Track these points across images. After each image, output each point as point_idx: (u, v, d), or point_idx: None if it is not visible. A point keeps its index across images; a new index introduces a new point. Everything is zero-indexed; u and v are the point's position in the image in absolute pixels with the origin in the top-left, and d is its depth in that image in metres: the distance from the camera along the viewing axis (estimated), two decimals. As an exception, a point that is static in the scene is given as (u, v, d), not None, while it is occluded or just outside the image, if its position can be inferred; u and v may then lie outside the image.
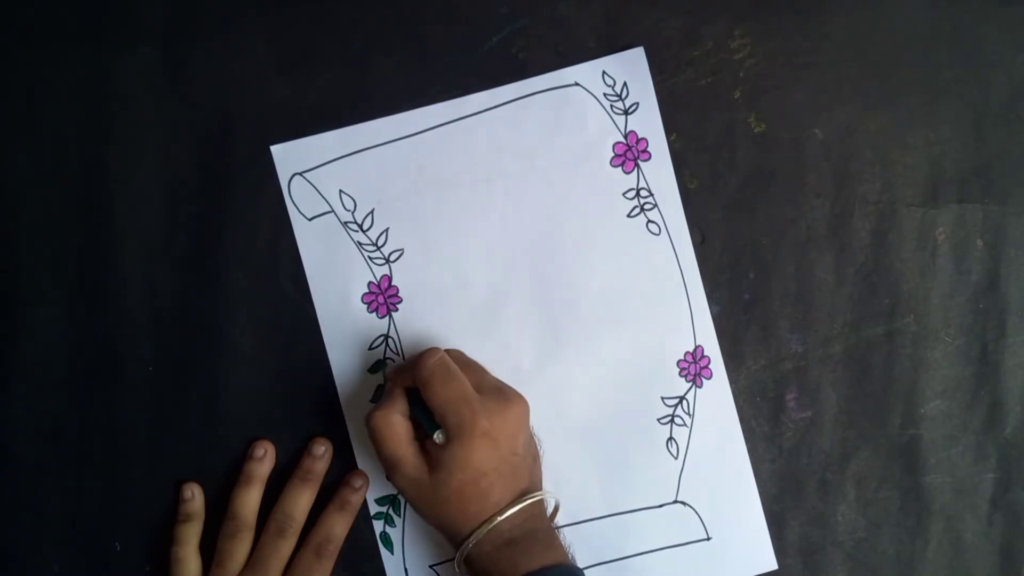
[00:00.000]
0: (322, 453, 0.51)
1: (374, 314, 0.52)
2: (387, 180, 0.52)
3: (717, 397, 0.53)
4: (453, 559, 0.52)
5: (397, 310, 0.52)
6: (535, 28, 0.52)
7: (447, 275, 0.52)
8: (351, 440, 0.52)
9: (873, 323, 0.54)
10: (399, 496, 0.53)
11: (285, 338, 0.52)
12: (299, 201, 0.52)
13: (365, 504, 0.52)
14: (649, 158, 0.53)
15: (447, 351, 0.48)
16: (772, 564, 0.53)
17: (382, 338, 0.52)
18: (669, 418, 0.53)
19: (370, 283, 0.52)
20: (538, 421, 0.50)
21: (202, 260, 0.52)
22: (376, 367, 0.52)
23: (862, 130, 0.53)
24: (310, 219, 0.52)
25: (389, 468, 0.46)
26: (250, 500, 0.51)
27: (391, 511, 0.53)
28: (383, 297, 0.52)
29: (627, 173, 0.53)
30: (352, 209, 0.52)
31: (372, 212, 0.52)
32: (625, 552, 0.53)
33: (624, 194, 0.53)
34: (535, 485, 0.48)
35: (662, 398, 0.53)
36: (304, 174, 0.52)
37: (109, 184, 0.52)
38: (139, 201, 0.52)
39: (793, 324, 0.53)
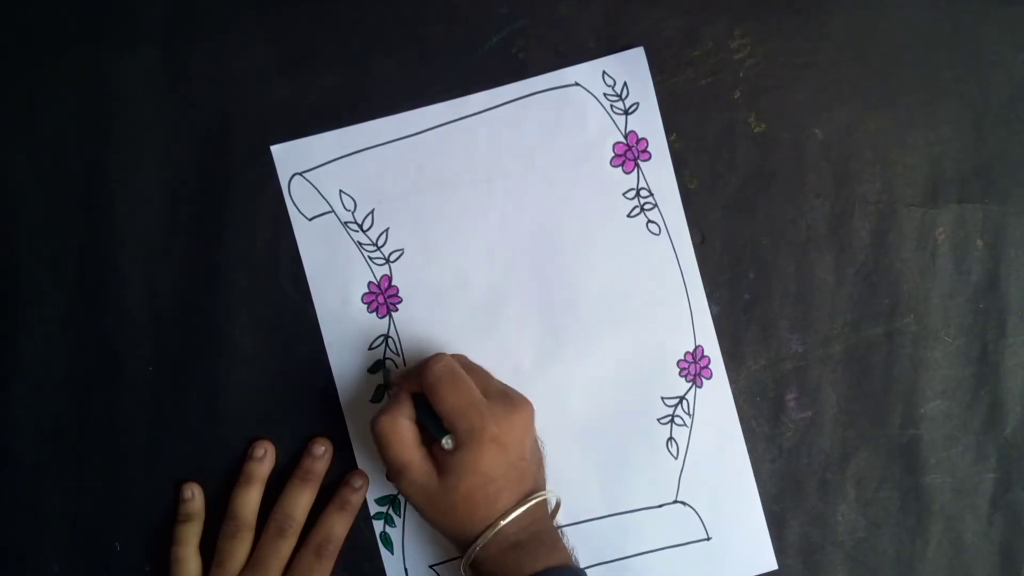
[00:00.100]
0: (322, 453, 0.51)
1: (374, 314, 0.52)
2: (387, 180, 0.52)
3: (717, 397, 0.53)
4: (453, 559, 0.52)
5: (397, 310, 0.52)
6: (535, 28, 0.52)
7: (447, 275, 0.52)
8: (351, 440, 0.52)
9: (873, 323, 0.54)
10: (399, 496, 0.53)
11: (285, 338, 0.52)
12: (299, 201, 0.52)
13: (365, 504, 0.52)
14: (649, 158, 0.53)
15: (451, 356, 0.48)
16: (772, 564, 0.53)
17: (382, 338, 0.52)
18: (669, 418, 0.53)
19: (370, 283, 0.52)
20: (538, 421, 0.50)
21: (202, 260, 0.52)
22: (376, 367, 0.52)
23: (862, 130, 0.53)
24: (310, 219, 0.52)
25: (395, 473, 0.46)
26: (250, 500, 0.51)
27: (391, 511, 0.53)
28: (383, 297, 0.52)
29: (627, 173, 0.53)
30: (352, 209, 0.52)
31: (372, 212, 0.52)
32: (625, 552, 0.53)
33: (624, 194, 0.53)
34: (539, 487, 0.48)
35: (662, 398, 0.53)
36: (304, 174, 0.52)
37: (109, 184, 0.52)
38: (139, 201, 0.52)
39: (793, 324, 0.53)
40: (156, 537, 0.52)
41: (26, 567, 0.52)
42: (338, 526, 0.51)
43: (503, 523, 0.44)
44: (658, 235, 0.53)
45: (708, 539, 0.53)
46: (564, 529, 0.52)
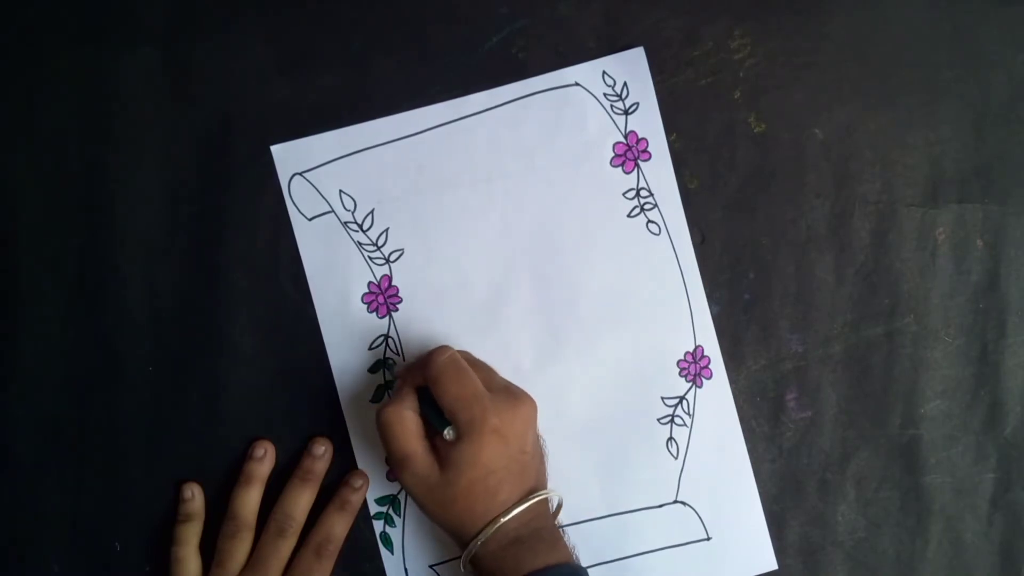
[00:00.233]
0: (322, 453, 0.51)
1: (374, 314, 0.52)
2: (387, 180, 0.52)
3: (717, 397, 0.53)
4: (453, 559, 0.52)
5: (397, 310, 0.52)
6: (535, 28, 0.52)
7: (447, 275, 0.52)
8: (351, 440, 0.52)
9: (873, 323, 0.54)
10: (399, 496, 0.53)
11: (285, 338, 0.52)
12: (299, 201, 0.52)
13: (365, 504, 0.52)
14: (649, 158, 0.53)
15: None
16: (772, 564, 0.53)
17: (382, 338, 0.52)
18: (669, 418, 0.53)
19: (370, 283, 0.52)
20: (538, 421, 0.50)
21: (202, 260, 0.52)
22: (376, 367, 0.52)
23: (862, 130, 0.53)
24: (310, 219, 0.52)
25: (398, 465, 0.46)
26: (250, 500, 0.51)
27: (391, 511, 0.53)
28: (383, 297, 0.52)
29: (627, 173, 0.53)
30: (352, 209, 0.52)
31: (372, 212, 0.52)
32: (625, 552, 0.53)
33: (624, 194, 0.53)
34: (541, 484, 0.48)
35: (662, 398, 0.53)
36: (304, 174, 0.52)
37: (109, 184, 0.52)
38: (139, 201, 0.52)
39: (793, 324, 0.53)
40: (156, 537, 0.52)
41: (26, 567, 0.52)
42: (338, 526, 0.51)
43: (505, 519, 0.44)
44: (658, 235, 0.53)
45: (708, 539, 0.53)
46: (565, 529, 0.52)
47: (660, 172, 0.53)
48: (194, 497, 0.51)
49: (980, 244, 0.54)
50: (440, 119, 0.52)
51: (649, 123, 0.53)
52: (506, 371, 0.51)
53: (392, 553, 0.53)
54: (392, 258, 0.52)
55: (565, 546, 0.46)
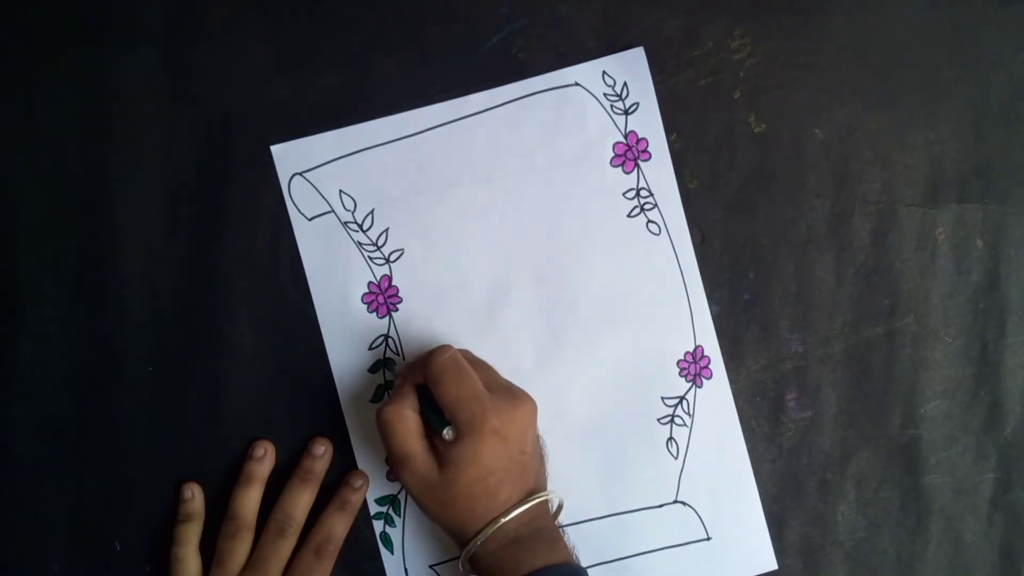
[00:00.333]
0: (322, 453, 0.51)
1: (374, 314, 0.52)
2: (387, 180, 0.52)
3: (717, 397, 0.53)
4: (453, 559, 0.52)
5: (397, 310, 0.52)
6: (535, 28, 0.52)
7: (447, 275, 0.52)
8: (351, 440, 0.52)
9: (873, 323, 0.54)
10: (399, 496, 0.53)
11: (285, 338, 0.52)
12: (299, 201, 0.52)
13: (365, 504, 0.52)
14: (649, 158, 0.53)
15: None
16: (772, 564, 0.53)
17: (382, 338, 0.52)
18: (669, 418, 0.53)
19: (370, 283, 0.52)
20: (538, 421, 0.50)
21: (202, 260, 0.52)
22: (376, 367, 0.52)
23: (862, 130, 0.53)
24: (310, 219, 0.52)
25: (398, 464, 0.46)
26: (250, 500, 0.51)
27: (391, 511, 0.53)
28: (383, 297, 0.52)
29: (627, 173, 0.53)
30: (352, 209, 0.52)
31: (372, 212, 0.52)
32: (625, 552, 0.53)
33: (624, 194, 0.53)
34: (541, 485, 0.48)
35: (662, 398, 0.53)
36: (304, 174, 0.52)
37: (109, 184, 0.52)
38: (139, 201, 0.52)
39: (793, 324, 0.53)
40: (156, 537, 0.52)
41: (26, 567, 0.52)
42: (338, 526, 0.51)
43: (505, 519, 0.44)
44: (658, 235, 0.53)
45: (708, 539, 0.53)
46: (565, 529, 0.52)
47: (660, 172, 0.53)
48: (194, 497, 0.51)
49: (980, 244, 0.54)
50: (440, 119, 0.52)
51: (649, 123, 0.53)
52: (506, 371, 0.51)
53: (392, 553, 0.53)
54: (392, 258, 0.52)
55: (565, 546, 0.46)
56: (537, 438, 0.49)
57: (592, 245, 0.53)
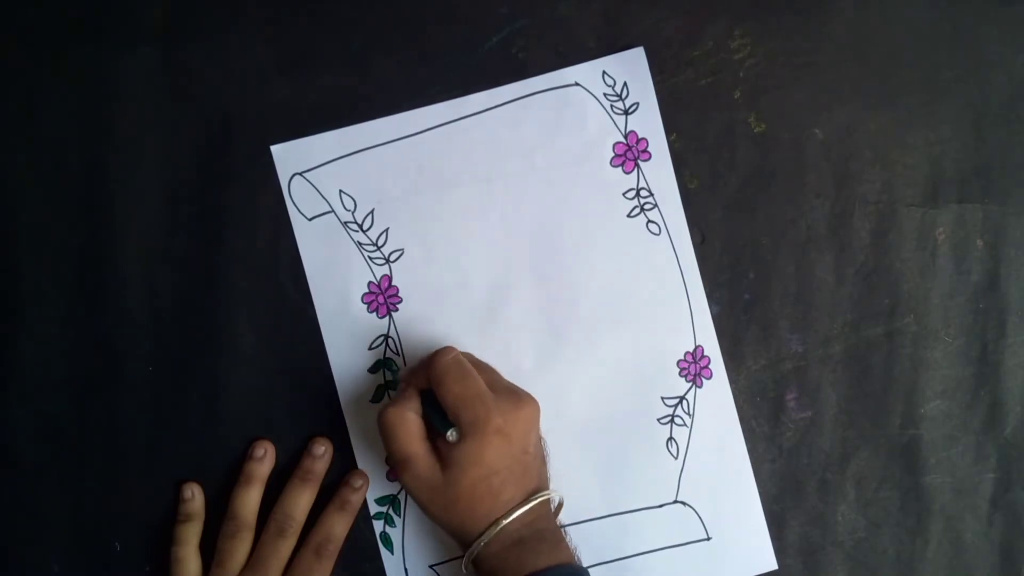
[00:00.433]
0: (322, 453, 0.51)
1: (374, 314, 0.52)
2: (387, 180, 0.52)
3: (717, 397, 0.53)
4: (453, 559, 0.52)
5: (397, 310, 0.52)
6: (535, 28, 0.52)
7: (447, 275, 0.52)
8: (351, 440, 0.52)
9: (873, 323, 0.54)
10: (399, 496, 0.53)
11: (285, 338, 0.52)
12: (299, 201, 0.52)
13: (365, 504, 0.52)
14: (649, 158, 0.53)
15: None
16: (772, 564, 0.53)
17: (382, 338, 0.52)
18: (669, 418, 0.53)
19: (370, 283, 0.52)
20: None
21: (202, 260, 0.52)
22: (376, 367, 0.52)
23: (862, 130, 0.53)
24: (310, 219, 0.52)
25: (400, 466, 0.46)
26: (250, 500, 0.51)
27: (391, 511, 0.53)
28: (383, 297, 0.52)
29: (627, 173, 0.53)
30: (352, 209, 0.52)
31: (372, 212, 0.52)
32: (625, 552, 0.53)
33: (624, 194, 0.53)
34: (543, 486, 0.48)
35: (662, 398, 0.53)
36: (304, 174, 0.52)
37: (109, 184, 0.52)
38: (139, 201, 0.52)
39: (793, 324, 0.53)
40: (156, 537, 0.52)
41: (26, 567, 0.52)
42: (338, 526, 0.51)
43: (507, 520, 0.44)
44: (658, 235, 0.53)
45: (708, 539, 0.53)
46: (566, 528, 0.52)
47: (660, 172, 0.53)
48: (194, 497, 0.51)
49: (980, 244, 0.54)
50: (440, 119, 0.52)
51: (649, 123, 0.53)
52: (506, 371, 0.51)
53: (392, 553, 0.53)
54: (392, 258, 0.52)
55: (567, 547, 0.46)
56: (539, 439, 0.49)
57: (592, 245, 0.53)
